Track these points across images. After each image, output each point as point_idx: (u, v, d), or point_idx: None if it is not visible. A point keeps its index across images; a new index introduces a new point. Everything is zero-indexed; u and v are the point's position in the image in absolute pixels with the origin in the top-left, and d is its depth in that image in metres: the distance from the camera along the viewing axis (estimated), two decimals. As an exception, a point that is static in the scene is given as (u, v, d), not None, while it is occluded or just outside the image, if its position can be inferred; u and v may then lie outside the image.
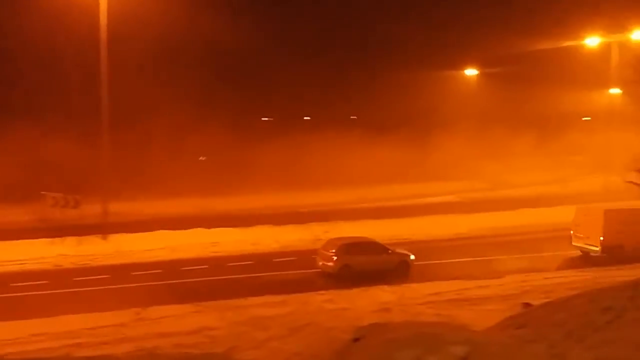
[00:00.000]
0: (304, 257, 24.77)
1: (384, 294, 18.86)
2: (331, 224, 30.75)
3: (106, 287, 20.49)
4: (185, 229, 29.11)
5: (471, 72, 48.92)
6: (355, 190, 43.30)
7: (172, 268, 23.17)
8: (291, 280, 21.18)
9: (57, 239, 26.71)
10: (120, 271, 22.66)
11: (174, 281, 21.45)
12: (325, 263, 21.47)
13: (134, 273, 22.29)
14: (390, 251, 22.44)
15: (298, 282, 20.84)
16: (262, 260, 24.36)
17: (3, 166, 34.78)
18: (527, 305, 14.57)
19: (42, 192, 28.58)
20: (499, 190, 44.95)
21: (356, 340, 9.35)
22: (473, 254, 24.68)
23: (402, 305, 17.44)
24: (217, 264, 23.85)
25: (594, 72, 44.86)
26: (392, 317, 15.82)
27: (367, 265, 21.38)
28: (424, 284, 19.98)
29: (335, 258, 21.14)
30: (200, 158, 53.98)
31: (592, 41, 41.98)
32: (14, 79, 46.09)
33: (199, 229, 29.42)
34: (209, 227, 29.56)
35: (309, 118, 65.56)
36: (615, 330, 7.60)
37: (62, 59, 45.88)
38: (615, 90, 42.01)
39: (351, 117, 64.60)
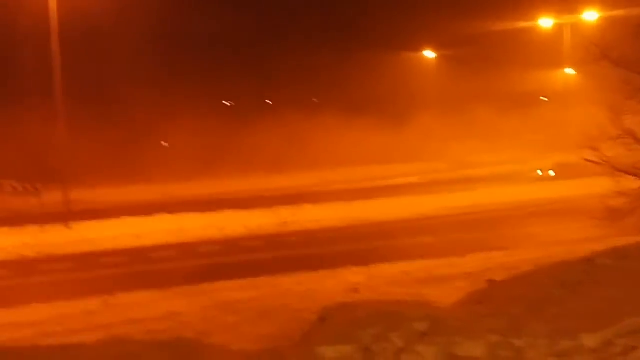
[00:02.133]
0: (271, 240, 25.01)
1: (353, 275, 19.10)
2: (298, 207, 31.00)
3: (72, 275, 20.32)
4: (150, 215, 28.91)
5: (429, 53, 49.53)
6: (322, 173, 43.62)
7: (138, 255, 23.05)
8: (261, 263, 21.32)
9: (18, 228, 26.28)
10: (86, 259, 22.44)
11: (141, 268, 21.36)
12: None
13: (99, 260, 22.13)
14: None
15: (268, 265, 20.97)
16: (229, 245, 24.43)
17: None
18: (491, 282, 15.00)
19: (-1, 181, 28.11)
20: (460, 171, 45.83)
21: (322, 320, 9.57)
22: (437, 234, 25.21)
23: (371, 286, 17.70)
24: (184, 249, 23.82)
25: (550, 52, 45.90)
26: (360, 298, 16.09)
27: None
28: (393, 264, 20.31)
29: None
30: (163, 143, 53.45)
31: (546, 22, 42.96)
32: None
33: (163, 215, 29.26)
34: (174, 213, 29.44)
35: (270, 102, 65.39)
36: (570, 303, 8.02)
37: (13, 42, 44.58)
38: (569, 70, 43.08)
39: (313, 99, 64.73)
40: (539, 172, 41.30)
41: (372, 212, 30.02)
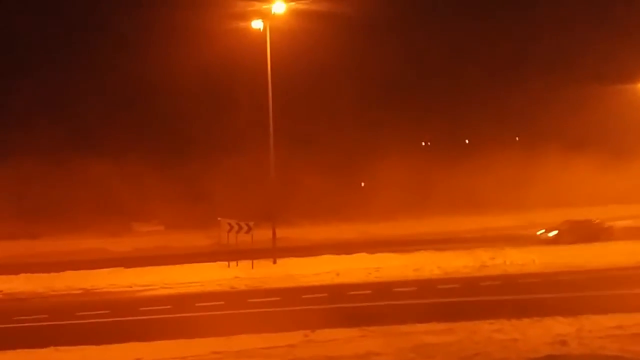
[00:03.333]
0: (469, 283, 24.12)
1: (559, 325, 17.60)
2: (498, 249, 29.65)
3: (276, 309, 21.48)
4: (349, 253, 29.74)
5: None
6: (528, 214, 41.37)
7: (337, 292, 23.72)
8: (458, 307, 20.64)
9: (232, 263, 28.80)
10: (289, 294, 23.66)
11: (340, 305, 21.89)
12: None
13: (301, 296, 23.16)
14: None
15: (466, 309, 20.22)
16: (425, 287, 24.07)
17: (186, 196, 38.26)
18: None
19: (219, 219, 30.89)
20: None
21: (528, 373, 8.88)
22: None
23: (581, 338, 16.13)
24: (380, 289, 23.97)
25: None
26: (568, 351, 14.76)
27: None
28: (606, 315, 18.31)
29: None
30: (361, 184, 55.09)
31: None
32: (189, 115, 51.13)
33: (362, 254, 29.92)
34: (371, 252, 29.94)
35: (468, 141, 64.25)
36: None
37: (232, 99, 49.81)
38: None
39: (515, 138, 62.28)
40: None
41: (584, 258, 27.60)
